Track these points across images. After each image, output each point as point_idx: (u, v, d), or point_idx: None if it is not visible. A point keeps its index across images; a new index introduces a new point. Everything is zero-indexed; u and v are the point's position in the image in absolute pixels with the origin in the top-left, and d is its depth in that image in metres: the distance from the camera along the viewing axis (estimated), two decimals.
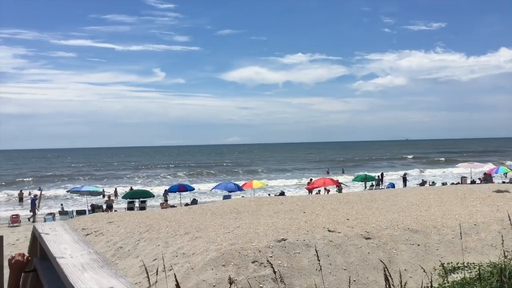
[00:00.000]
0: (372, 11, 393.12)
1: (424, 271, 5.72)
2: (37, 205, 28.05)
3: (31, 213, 27.05)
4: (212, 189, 31.56)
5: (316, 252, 5.18)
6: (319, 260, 5.93)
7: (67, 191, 34.30)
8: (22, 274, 2.46)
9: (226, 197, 26.36)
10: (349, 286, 5.70)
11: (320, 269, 6.69)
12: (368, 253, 7.62)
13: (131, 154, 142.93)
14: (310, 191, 28.90)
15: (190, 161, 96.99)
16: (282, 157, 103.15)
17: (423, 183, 35.15)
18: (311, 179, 34.84)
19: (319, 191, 28.76)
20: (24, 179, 57.08)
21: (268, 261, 6.15)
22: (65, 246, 1.78)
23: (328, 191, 29.30)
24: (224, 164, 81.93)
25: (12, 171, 73.23)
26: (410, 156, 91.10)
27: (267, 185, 34.14)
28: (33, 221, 25.81)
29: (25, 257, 2.36)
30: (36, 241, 2.38)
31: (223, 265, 7.04)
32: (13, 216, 25.87)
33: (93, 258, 1.59)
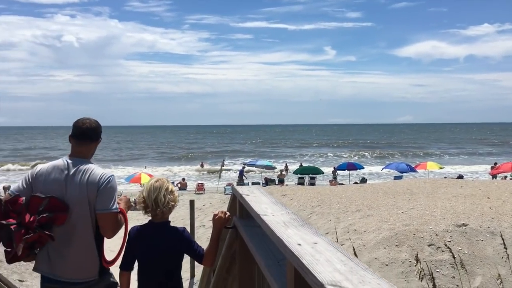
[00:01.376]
0: None
1: None
2: (219, 175, 30.97)
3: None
4: (382, 168, 30.78)
5: (503, 240, 4.73)
6: (506, 249, 5.40)
7: (244, 164, 37.13)
8: (223, 229, 2.80)
9: (397, 178, 25.45)
10: None
11: (508, 259, 6.08)
12: None
13: (300, 132, 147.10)
14: (494, 176, 26.09)
15: (359, 139, 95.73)
16: (459, 138, 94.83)
17: None
18: (495, 163, 31.38)
19: (505, 176, 25.77)
20: (207, 153, 63.37)
21: (446, 245, 5.82)
22: (265, 206, 1.97)
23: None
24: (396, 144, 78.80)
25: (191, 145, 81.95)
26: None
27: (443, 167, 31.82)
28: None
29: (226, 215, 2.69)
30: (235, 202, 2.68)
31: (396, 245, 6.89)
32: (199, 184, 29.09)
33: (292, 217, 1.74)
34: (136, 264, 2.84)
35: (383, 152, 60.80)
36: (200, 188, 28.47)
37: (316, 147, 75.24)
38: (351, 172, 29.72)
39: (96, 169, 2.73)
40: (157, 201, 2.70)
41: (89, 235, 2.72)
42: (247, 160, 39.67)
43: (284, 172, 31.35)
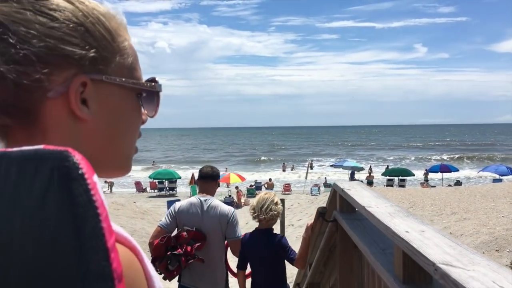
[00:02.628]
0: None
1: None
2: (305, 176, 31.07)
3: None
4: (479, 171, 29.02)
5: None
6: None
7: (331, 166, 36.90)
8: (323, 222, 2.96)
9: (496, 181, 23.85)
10: None
11: None
12: None
13: (386, 133, 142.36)
14: None
15: (452, 140, 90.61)
16: None
17: None
18: None
19: None
20: (291, 155, 63.58)
21: None
22: (368, 200, 2.10)
23: None
24: (494, 145, 73.49)
25: (275, 147, 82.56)
26: None
27: None
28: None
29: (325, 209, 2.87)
30: (335, 197, 2.82)
31: (496, 250, 6.59)
32: (286, 185, 29.40)
33: (396, 209, 1.86)
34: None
35: (480, 154, 57.00)
36: (287, 189, 28.76)
37: (404, 149, 72.47)
38: (444, 174, 28.35)
39: (222, 205, 3.57)
40: (262, 210, 3.26)
41: (221, 255, 3.56)
42: (333, 162, 39.34)
43: (372, 174, 30.68)
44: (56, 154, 0.48)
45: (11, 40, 0.52)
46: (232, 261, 3.75)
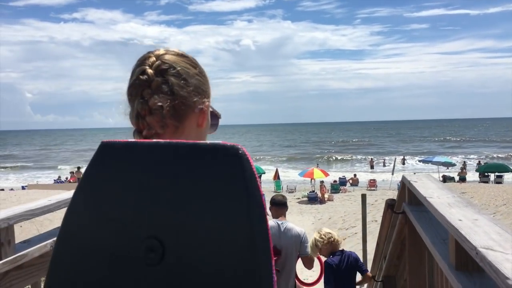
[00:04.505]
0: None
1: None
2: (392, 172, 30.18)
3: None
4: None
5: None
6: None
7: (419, 161, 35.47)
8: (393, 214, 3.00)
9: None
10: None
11: None
12: None
13: (482, 127, 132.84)
14: None
15: None
16: None
17: None
18: None
19: None
20: (378, 152, 61.75)
21: None
22: (431, 191, 2.14)
23: None
24: None
25: (361, 142, 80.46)
26: None
27: None
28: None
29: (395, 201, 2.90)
30: (404, 189, 2.85)
31: None
32: (371, 181, 28.77)
33: (457, 200, 1.88)
34: None
35: None
36: (372, 185, 28.14)
37: (501, 143, 66.83)
38: None
39: (295, 227, 4.28)
40: (317, 244, 4.19)
41: (292, 269, 4.22)
42: (422, 157, 37.71)
43: (465, 170, 29.01)
44: (233, 146, 0.70)
45: (185, 76, 1.00)
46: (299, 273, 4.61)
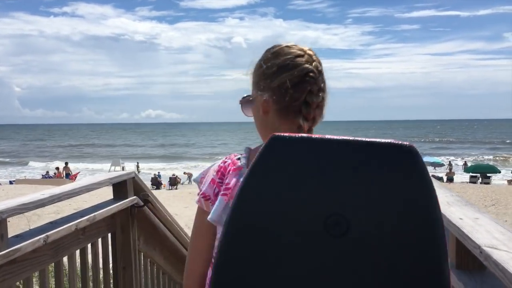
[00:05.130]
0: None
1: None
2: None
3: None
4: None
5: None
6: None
7: None
8: None
9: None
10: None
11: None
12: None
13: (470, 128, 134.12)
14: None
15: None
16: None
17: None
18: None
19: None
20: None
21: None
22: None
23: None
24: None
25: None
26: None
27: None
28: None
29: None
30: None
31: None
32: None
33: (456, 199, 1.88)
34: None
35: None
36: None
37: (488, 144, 67.51)
38: None
39: None
40: None
41: None
42: None
43: (453, 170, 29.28)
44: (406, 144, 0.84)
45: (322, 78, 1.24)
46: None
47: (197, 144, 77.85)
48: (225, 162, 1.23)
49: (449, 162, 35.17)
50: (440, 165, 30.25)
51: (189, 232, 1.46)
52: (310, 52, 1.23)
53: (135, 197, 2.86)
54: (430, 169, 30.09)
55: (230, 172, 1.19)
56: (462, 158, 43.31)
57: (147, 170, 42.01)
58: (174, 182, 27.50)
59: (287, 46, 1.23)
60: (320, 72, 1.22)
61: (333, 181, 0.85)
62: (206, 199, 1.20)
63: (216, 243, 1.18)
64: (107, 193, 2.92)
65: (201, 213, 1.22)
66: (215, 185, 1.20)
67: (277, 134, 0.89)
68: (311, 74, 1.18)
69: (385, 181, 0.83)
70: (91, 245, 2.54)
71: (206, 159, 50.63)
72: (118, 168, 29.75)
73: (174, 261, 3.68)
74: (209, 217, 1.15)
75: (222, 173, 1.21)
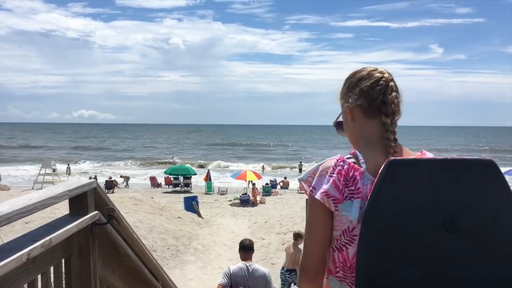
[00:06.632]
0: None
1: None
2: None
3: None
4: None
5: None
6: None
7: None
8: None
9: None
10: None
11: None
12: None
13: (404, 133, 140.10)
14: None
15: (470, 143, 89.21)
16: None
17: None
18: None
19: None
20: (301, 154, 62.97)
21: None
22: None
23: None
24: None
25: (284, 144, 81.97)
26: None
27: None
28: None
29: None
30: None
31: None
32: None
33: None
34: None
35: (503, 155, 55.67)
36: (302, 188, 28.38)
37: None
38: None
39: (260, 268, 4.89)
40: None
41: None
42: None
43: None
44: (490, 160, 1.23)
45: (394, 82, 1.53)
46: None
47: (133, 146, 75.44)
48: (342, 166, 1.39)
49: None
50: None
51: None
52: (382, 69, 1.54)
53: (96, 212, 2.33)
54: None
55: (357, 177, 1.36)
56: None
57: (78, 172, 40.05)
58: (110, 185, 26.16)
59: (363, 68, 1.57)
60: (392, 79, 1.51)
61: (448, 190, 1.18)
62: (328, 197, 1.36)
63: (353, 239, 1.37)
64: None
65: (321, 207, 1.39)
66: (342, 188, 1.36)
67: (393, 158, 1.27)
68: (383, 79, 1.49)
69: (481, 186, 1.17)
70: (41, 276, 1.98)
71: (143, 164, 49.11)
72: (49, 170, 27.80)
73: (133, 284, 3.14)
74: (352, 217, 1.32)
75: (345, 177, 1.37)
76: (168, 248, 11.22)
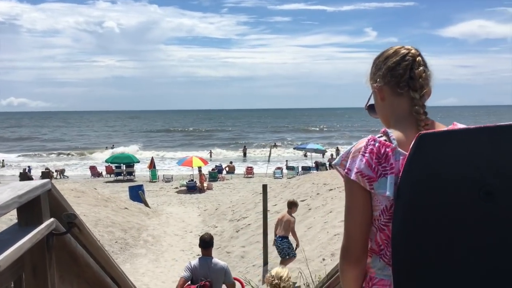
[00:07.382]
0: None
1: None
2: (268, 159, 30.69)
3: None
4: None
5: None
6: None
7: (293, 148, 36.74)
8: None
9: None
10: None
11: None
12: None
13: (333, 116, 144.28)
14: None
15: None
16: (506, 121, 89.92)
17: None
18: None
19: None
20: (249, 137, 62.96)
21: None
22: None
23: None
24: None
25: (232, 129, 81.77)
26: None
27: None
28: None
29: None
30: None
31: None
32: (248, 168, 28.99)
33: None
34: None
35: None
36: (249, 172, 28.33)
37: (362, 132, 72.88)
38: None
39: (219, 262, 5.26)
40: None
41: None
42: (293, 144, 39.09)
43: (335, 156, 30.69)
44: None
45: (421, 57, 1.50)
46: None
47: (68, 135, 72.01)
48: (373, 144, 1.38)
49: (337, 148, 37.03)
50: (323, 151, 31.49)
51: None
52: (408, 46, 1.52)
53: (53, 220, 1.85)
54: (318, 156, 31.25)
55: (389, 153, 1.36)
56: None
57: (12, 163, 37.69)
58: (47, 177, 24.62)
59: (390, 47, 1.56)
60: (419, 54, 1.49)
61: (478, 159, 1.14)
62: (363, 176, 1.36)
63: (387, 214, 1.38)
64: None
65: (358, 187, 1.39)
66: (375, 166, 1.36)
67: (423, 132, 1.24)
68: (410, 54, 1.48)
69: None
70: None
71: (79, 154, 46.87)
72: None
73: None
74: (387, 193, 1.32)
75: (377, 155, 1.36)
76: (116, 242, 10.58)
